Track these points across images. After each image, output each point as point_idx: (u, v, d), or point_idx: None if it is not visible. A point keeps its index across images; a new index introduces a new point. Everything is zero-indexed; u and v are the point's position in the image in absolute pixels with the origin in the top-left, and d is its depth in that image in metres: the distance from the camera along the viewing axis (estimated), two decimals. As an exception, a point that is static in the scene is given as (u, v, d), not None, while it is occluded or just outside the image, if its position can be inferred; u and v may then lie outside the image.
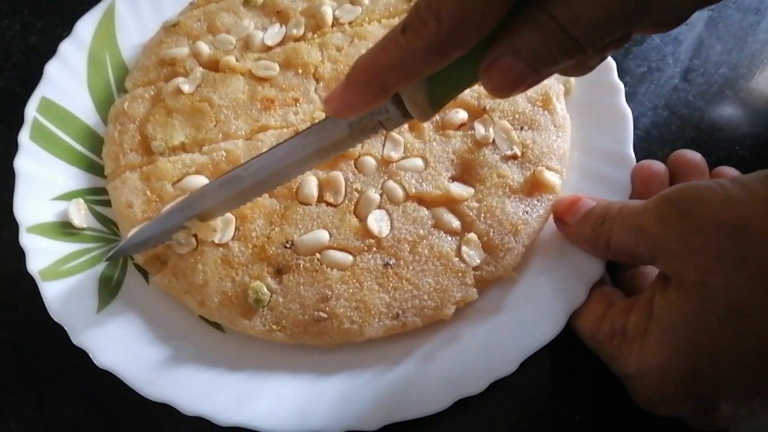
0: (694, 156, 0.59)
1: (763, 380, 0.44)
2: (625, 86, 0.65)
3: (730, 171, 0.59)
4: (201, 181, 0.61)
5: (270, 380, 0.55)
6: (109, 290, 0.59)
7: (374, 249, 0.57)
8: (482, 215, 0.58)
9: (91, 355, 0.55)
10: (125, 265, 0.61)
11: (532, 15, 0.36)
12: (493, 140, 0.62)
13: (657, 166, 0.59)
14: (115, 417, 0.56)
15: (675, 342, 0.45)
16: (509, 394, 0.56)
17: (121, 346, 0.56)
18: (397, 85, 0.41)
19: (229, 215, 0.58)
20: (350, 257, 0.57)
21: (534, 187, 0.60)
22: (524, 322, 0.56)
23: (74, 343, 0.55)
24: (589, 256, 0.57)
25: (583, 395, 0.57)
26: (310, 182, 0.60)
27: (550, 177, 0.60)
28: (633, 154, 0.61)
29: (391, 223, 0.58)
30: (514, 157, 0.61)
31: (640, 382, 0.49)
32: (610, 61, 0.65)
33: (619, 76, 0.65)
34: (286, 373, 0.56)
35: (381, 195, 0.59)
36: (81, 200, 0.63)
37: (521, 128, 0.62)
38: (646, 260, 0.49)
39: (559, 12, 0.35)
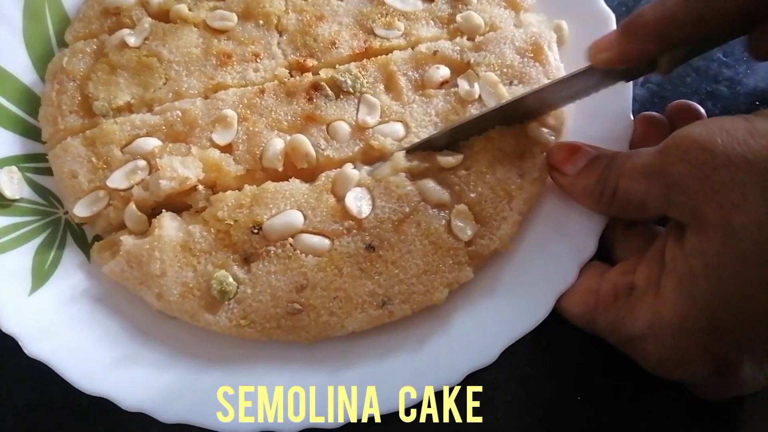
0: (694, 105, 0.55)
1: None
2: None
3: None
4: (153, 143, 0.55)
5: (223, 375, 0.50)
6: (43, 270, 0.53)
7: (354, 231, 0.51)
8: (472, 183, 0.53)
9: (20, 344, 0.49)
10: (63, 241, 0.55)
11: None
12: (480, 96, 0.56)
13: (658, 116, 0.55)
14: (71, 396, 0.50)
15: (694, 290, 0.41)
16: (507, 374, 0.53)
17: (55, 334, 0.50)
18: (687, 40, 0.44)
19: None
20: (327, 241, 0.51)
21: (527, 147, 0.54)
22: (510, 309, 0.51)
23: (2, 329, 0.50)
24: (584, 231, 0.52)
25: (584, 375, 0.53)
26: (275, 144, 0.54)
27: (545, 135, 0.54)
28: (632, 118, 0.56)
29: (373, 201, 0.52)
30: None
31: (652, 340, 0.44)
32: (609, 13, 0.60)
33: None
34: (243, 366, 0.51)
35: (360, 170, 0.53)
36: (14, 168, 0.57)
37: (510, 83, 0.57)
38: (657, 209, 0.45)
39: None
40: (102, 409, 0.49)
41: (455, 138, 0.54)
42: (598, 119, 0.56)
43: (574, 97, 0.53)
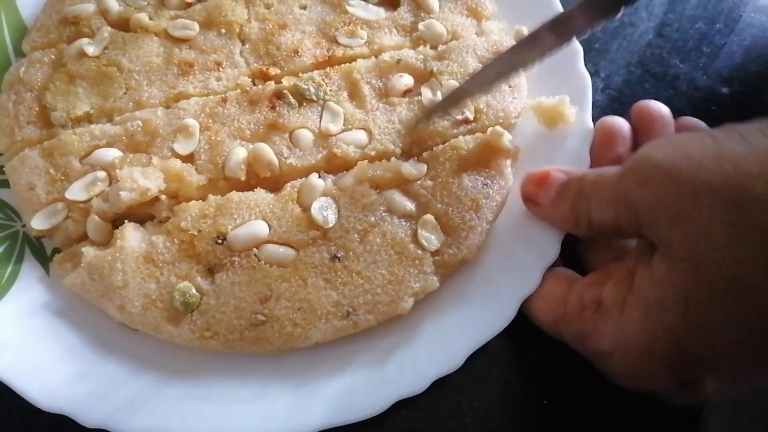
0: (659, 107, 0.54)
1: (757, 358, 0.40)
2: (595, 42, 0.62)
3: (695, 122, 0.54)
4: (113, 154, 0.54)
5: (186, 387, 0.49)
6: (0, 284, 0.52)
7: (319, 241, 0.51)
8: (438, 194, 0.53)
9: (-24, 362, 0.48)
10: (21, 254, 0.54)
11: None
12: (442, 104, 0.56)
13: (620, 122, 0.54)
14: (30, 413, 0.48)
15: (662, 317, 0.41)
16: (474, 379, 0.52)
17: (13, 350, 0.49)
18: None
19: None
20: (292, 252, 0.51)
21: (492, 155, 0.54)
22: (475, 315, 0.51)
23: (-43, 347, 0.48)
24: (547, 235, 0.52)
25: (551, 378, 0.53)
26: (238, 153, 0.54)
27: (509, 143, 0.54)
28: (591, 124, 0.56)
29: (338, 210, 0.52)
30: (467, 121, 0.56)
31: (618, 358, 0.44)
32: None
33: (588, 31, 0.59)
34: (206, 378, 0.50)
35: (325, 180, 0.53)
36: (-31, 181, 0.56)
37: (473, 91, 0.56)
38: (632, 232, 0.45)
39: None
40: (63, 425, 0.47)
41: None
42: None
43: (569, 34, 0.49)
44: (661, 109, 0.54)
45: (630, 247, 0.49)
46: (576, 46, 0.59)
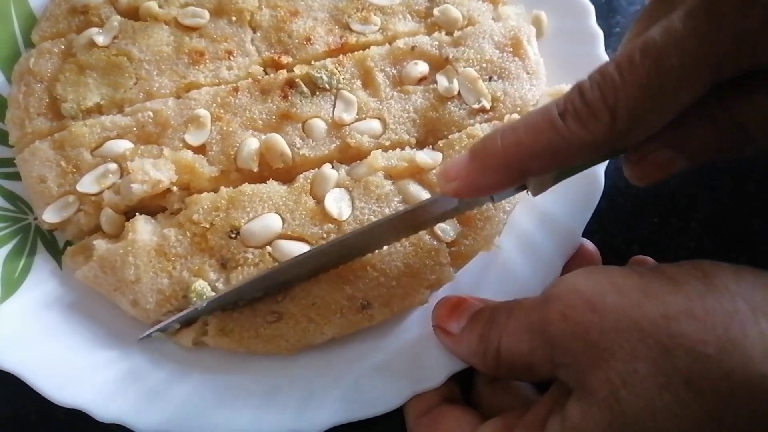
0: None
1: None
2: (615, 26, 0.60)
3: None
4: (124, 145, 0.53)
5: (200, 383, 0.48)
6: (13, 279, 0.52)
7: (333, 236, 0.50)
8: None
9: (-10, 355, 0.47)
10: (34, 247, 0.54)
11: (706, 114, 0.37)
12: (459, 93, 0.55)
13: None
14: (46, 409, 0.48)
15: None
16: None
17: (27, 344, 0.49)
18: (542, 172, 0.40)
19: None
20: (306, 248, 0.50)
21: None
22: None
23: (-30, 340, 0.48)
24: (568, 223, 0.51)
25: None
26: (250, 144, 0.53)
27: None
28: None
29: (352, 202, 0.51)
30: (483, 110, 0.54)
31: None
32: (588, 4, 0.59)
33: (609, 15, 0.60)
34: (221, 374, 0.49)
35: (338, 170, 0.52)
36: (-18, 173, 0.55)
37: (490, 78, 0.56)
38: (545, 371, 0.40)
39: (744, 115, 0.36)
40: (79, 420, 0.47)
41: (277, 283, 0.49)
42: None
43: (435, 222, 0.49)
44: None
45: (524, 393, 0.46)
46: (596, 30, 0.57)
